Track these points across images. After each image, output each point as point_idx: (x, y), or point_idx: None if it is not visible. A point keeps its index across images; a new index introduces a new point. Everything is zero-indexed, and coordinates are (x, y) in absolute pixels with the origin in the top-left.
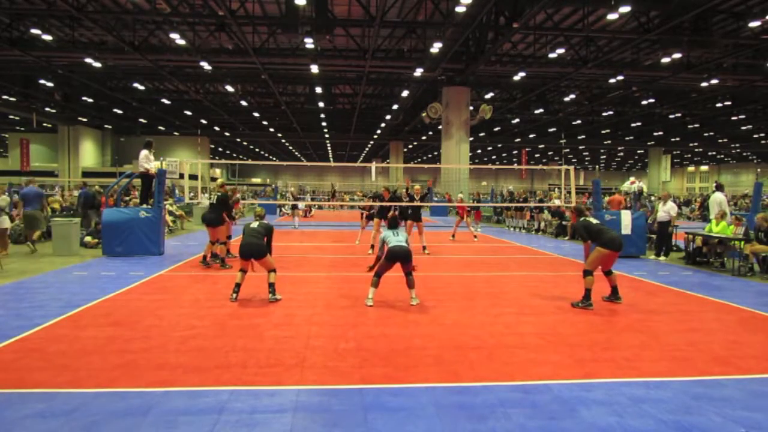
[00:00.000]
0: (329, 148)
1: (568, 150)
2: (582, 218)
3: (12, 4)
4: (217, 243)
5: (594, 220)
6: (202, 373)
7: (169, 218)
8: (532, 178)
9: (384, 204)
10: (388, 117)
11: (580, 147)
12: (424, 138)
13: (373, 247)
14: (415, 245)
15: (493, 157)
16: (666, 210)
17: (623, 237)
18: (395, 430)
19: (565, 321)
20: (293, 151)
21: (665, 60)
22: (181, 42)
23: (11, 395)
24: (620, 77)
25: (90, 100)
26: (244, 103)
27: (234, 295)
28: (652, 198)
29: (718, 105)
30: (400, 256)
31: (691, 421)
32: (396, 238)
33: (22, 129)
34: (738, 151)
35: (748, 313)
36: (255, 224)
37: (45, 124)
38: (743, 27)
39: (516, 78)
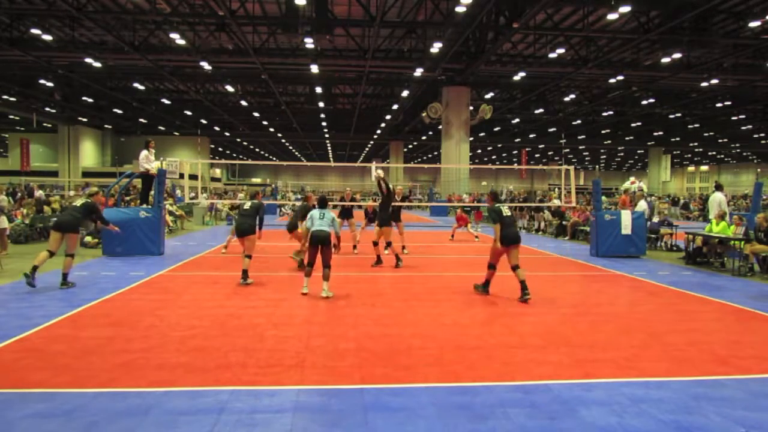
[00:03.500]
0: (329, 148)
1: (568, 150)
2: (497, 204)
3: (12, 4)
4: None
5: (507, 211)
6: (202, 373)
7: (169, 218)
8: (532, 178)
9: (345, 204)
10: (388, 117)
11: (580, 147)
12: (424, 138)
13: (376, 244)
14: (398, 245)
15: (493, 157)
16: (638, 209)
17: (623, 237)
18: (395, 430)
19: (565, 321)
20: (293, 151)
21: (665, 60)
22: (181, 42)
23: (11, 395)
24: (620, 77)
25: (90, 100)
26: (244, 103)
27: (243, 280)
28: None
29: (718, 105)
30: (318, 240)
31: (691, 421)
32: (319, 221)
33: (22, 129)
34: (738, 151)
35: (748, 313)
36: (247, 204)
37: (45, 124)
38: (743, 27)
39: (516, 78)
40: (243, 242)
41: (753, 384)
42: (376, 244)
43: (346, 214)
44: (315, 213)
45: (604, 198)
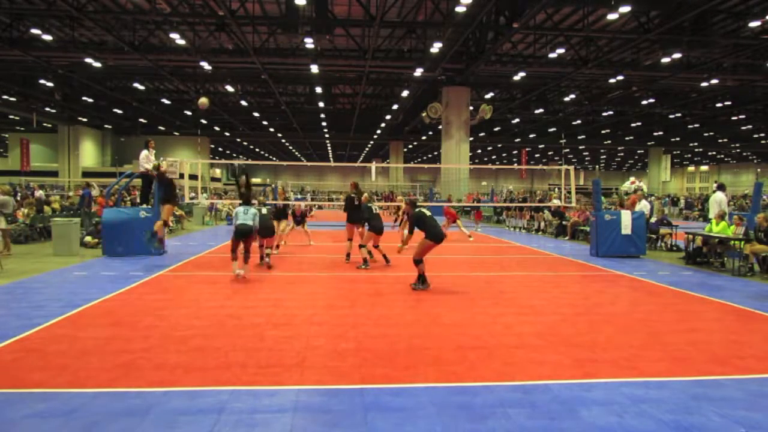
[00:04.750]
0: (329, 148)
1: (568, 150)
2: (417, 209)
3: (12, 4)
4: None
5: (427, 213)
6: (202, 373)
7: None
8: (532, 178)
9: (278, 204)
10: (388, 117)
11: (580, 147)
12: (424, 138)
13: (377, 247)
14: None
15: (493, 157)
16: (639, 209)
17: (623, 237)
18: (395, 430)
19: (565, 321)
20: (293, 151)
21: (665, 60)
22: (181, 42)
23: (11, 395)
24: (620, 77)
25: (90, 100)
26: (244, 103)
27: (261, 262)
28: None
29: (718, 105)
30: (243, 233)
31: (691, 421)
32: (243, 216)
33: (22, 129)
34: (738, 151)
35: (748, 313)
36: (264, 210)
37: (45, 124)
38: (743, 27)
39: (516, 78)
40: (269, 241)
41: (753, 384)
42: (376, 247)
43: (279, 215)
44: (240, 210)
45: (602, 198)
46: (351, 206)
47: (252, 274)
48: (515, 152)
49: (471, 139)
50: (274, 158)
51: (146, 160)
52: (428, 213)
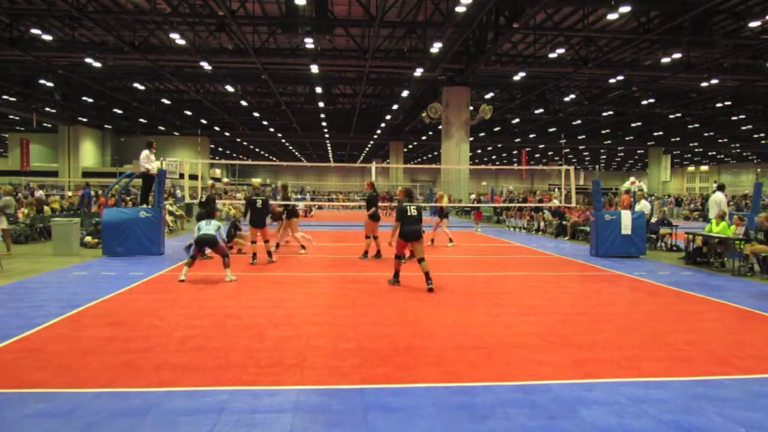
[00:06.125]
0: (329, 148)
1: (568, 150)
2: (404, 204)
3: (12, 4)
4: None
5: (413, 211)
6: (202, 373)
7: (169, 218)
8: (532, 178)
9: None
10: (388, 117)
11: (580, 147)
12: (424, 138)
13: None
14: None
15: (493, 157)
16: (640, 209)
17: (623, 237)
18: (395, 430)
19: (565, 321)
20: (293, 151)
21: (665, 60)
22: (181, 42)
23: (11, 395)
24: (620, 77)
25: (90, 100)
26: (244, 103)
27: (253, 261)
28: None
29: (718, 105)
30: (204, 242)
31: (691, 421)
32: (206, 227)
33: (22, 129)
34: (738, 151)
35: (748, 313)
36: (259, 203)
37: (45, 124)
38: (743, 27)
39: (516, 78)
40: (265, 232)
41: (753, 384)
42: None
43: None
44: (202, 223)
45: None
46: (370, 205)
47: (252, 275)
48: (515, 152)
49: (471, 139)
50: (274, 158)
51: (147, 160)
52: (413, 212)
